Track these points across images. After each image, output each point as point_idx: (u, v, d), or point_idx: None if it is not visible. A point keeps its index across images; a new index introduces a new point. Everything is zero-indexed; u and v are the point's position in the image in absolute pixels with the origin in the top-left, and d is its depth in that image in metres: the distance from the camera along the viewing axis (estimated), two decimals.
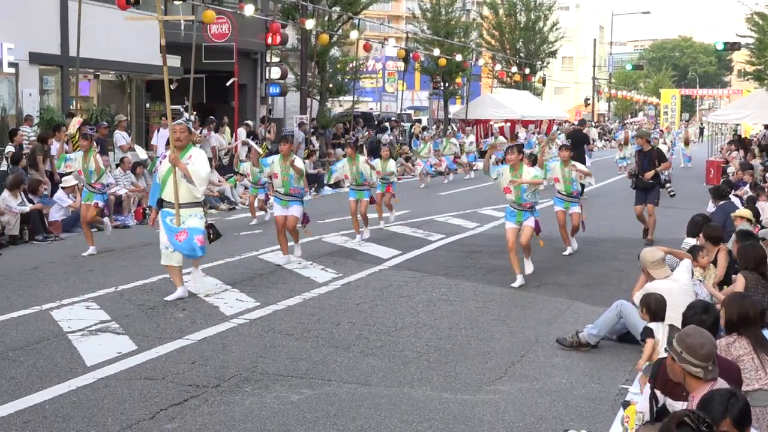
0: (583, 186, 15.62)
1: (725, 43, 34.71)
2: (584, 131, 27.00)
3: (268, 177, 14.92)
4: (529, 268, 11.78)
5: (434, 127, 40.21)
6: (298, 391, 6.98)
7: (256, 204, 18.51)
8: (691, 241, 10.04)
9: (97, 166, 13.84)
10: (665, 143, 34.35)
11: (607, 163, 35.47)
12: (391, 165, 17.08)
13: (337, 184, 24.47)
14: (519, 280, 11.43)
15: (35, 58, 21.19)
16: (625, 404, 6.22)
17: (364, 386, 7.15)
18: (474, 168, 31.62)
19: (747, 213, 11.55)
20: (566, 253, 13.98)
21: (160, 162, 10.70)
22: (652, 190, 15.30)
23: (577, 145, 21.10)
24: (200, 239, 10.25)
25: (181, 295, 10.32)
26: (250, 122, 27.49)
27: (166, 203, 10.40)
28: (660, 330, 7.13)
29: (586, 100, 74.52)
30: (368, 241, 15.12)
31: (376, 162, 16.45)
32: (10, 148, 17.54)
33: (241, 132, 25.52)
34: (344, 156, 17.01)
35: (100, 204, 14.16)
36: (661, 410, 5.55)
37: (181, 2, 22.42)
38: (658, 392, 5.57)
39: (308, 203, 15.37)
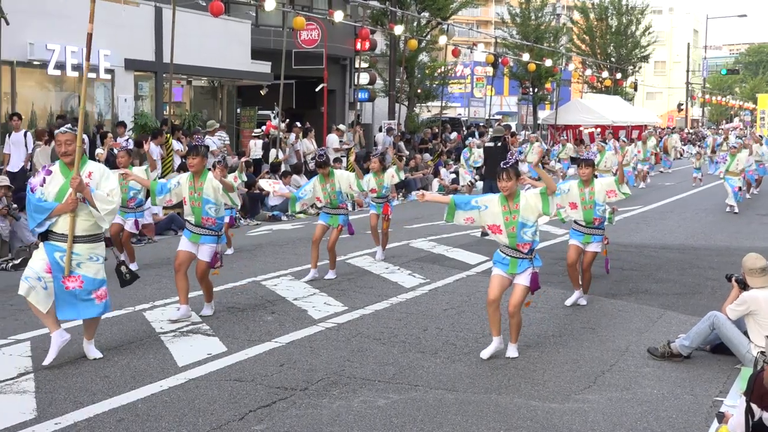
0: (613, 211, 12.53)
1: None
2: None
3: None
4: (512, 351, 8.27)
5: (523, 132, 39.91)
6: (384, 395, 6.98)
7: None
8: None
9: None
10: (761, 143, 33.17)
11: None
12: (388, 177, 13.69)
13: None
14: (494, 345, 8.25)
15: (130, 64, 21.78)
16: (720, 416, 6.06)
17: (451, 392, 7.12)
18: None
19: None
20: (568, 303, 10.58)
21: (45, 178, 7.68)
22: None
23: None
24: (101, 294, 7.80)
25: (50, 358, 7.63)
26: (342, 126, 27.57)
27: (55, 235, 7.62)
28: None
29: (680, 105, 73.19)
30: (456, 246, 15.00)
31: (368, 177, 13.70)
32: (100, 150, 17.95)
33: (331, 138, 25.73)
34: (315, 175, 12.80)
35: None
36: (758, 424, 5.41)
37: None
38: (754, 406, 5.42)
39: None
